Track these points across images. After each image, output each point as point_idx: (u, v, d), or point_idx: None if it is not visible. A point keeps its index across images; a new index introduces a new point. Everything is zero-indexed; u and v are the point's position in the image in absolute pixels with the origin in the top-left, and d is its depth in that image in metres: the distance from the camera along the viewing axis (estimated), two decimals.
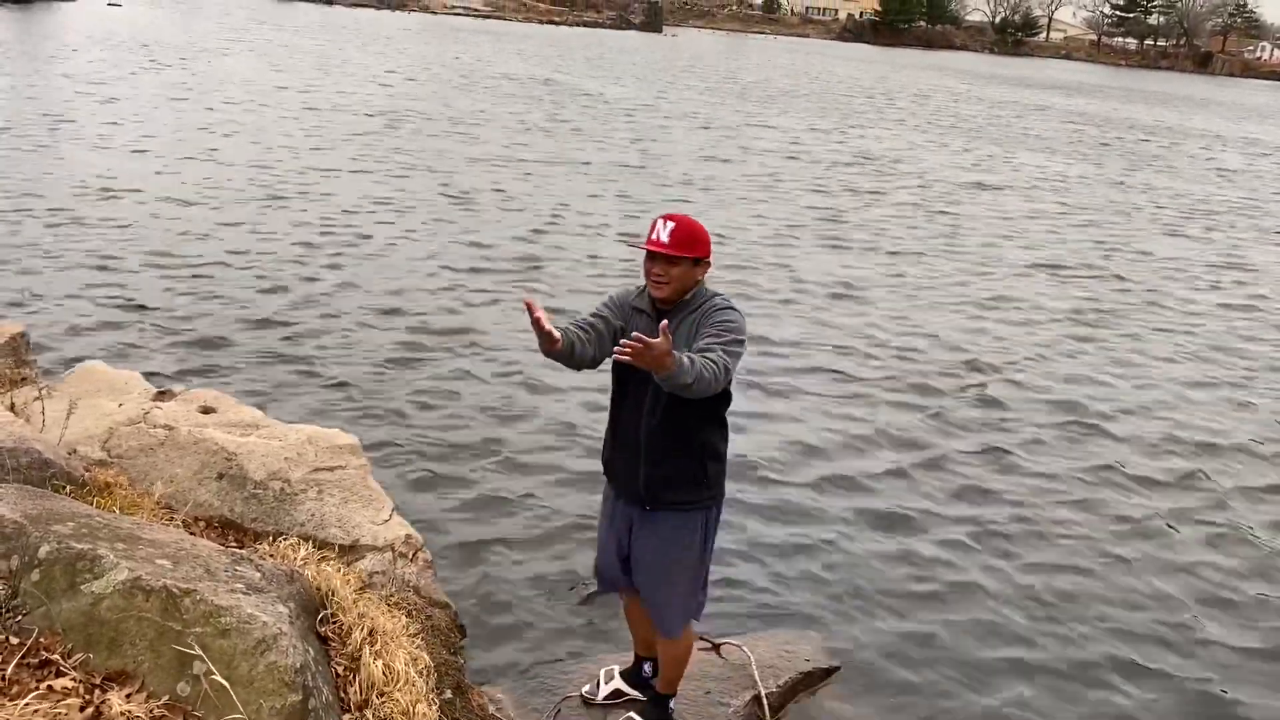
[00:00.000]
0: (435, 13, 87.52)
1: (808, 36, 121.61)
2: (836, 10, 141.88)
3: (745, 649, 4.56)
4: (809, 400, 7.91)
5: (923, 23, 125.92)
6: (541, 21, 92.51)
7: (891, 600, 5.35)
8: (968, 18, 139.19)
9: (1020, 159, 24.76)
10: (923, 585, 5.52)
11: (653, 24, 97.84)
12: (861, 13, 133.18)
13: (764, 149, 22.54)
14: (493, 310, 9.49)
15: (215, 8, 62.88)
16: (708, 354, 3.13)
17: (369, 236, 11.69)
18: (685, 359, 3.00)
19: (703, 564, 3.68)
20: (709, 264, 3.39)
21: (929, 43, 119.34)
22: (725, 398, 3.44)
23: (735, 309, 3.35)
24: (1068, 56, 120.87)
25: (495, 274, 10.71)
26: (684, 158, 20.01)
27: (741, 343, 3.26)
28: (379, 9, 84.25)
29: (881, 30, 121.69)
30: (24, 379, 5.81)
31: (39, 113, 18.49)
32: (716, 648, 4.57)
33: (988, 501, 6.49)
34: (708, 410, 3.39)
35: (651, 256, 3.32)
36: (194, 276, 9.63)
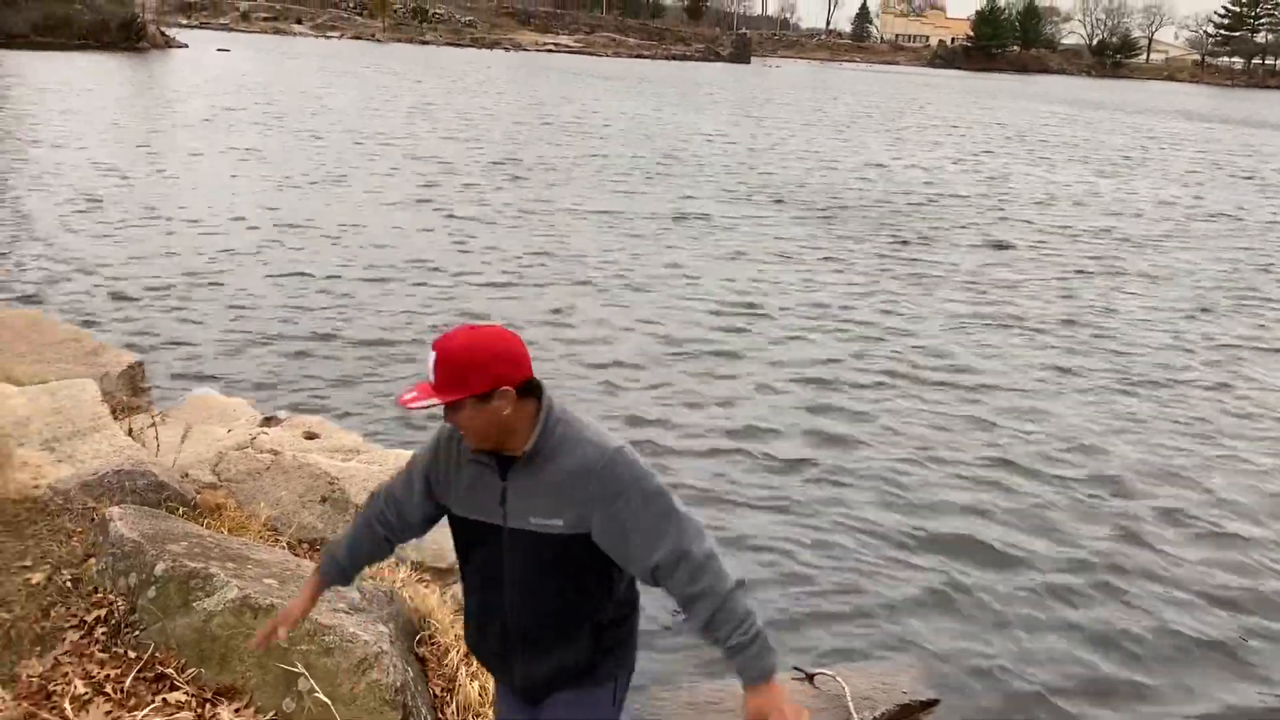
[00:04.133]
0: (527, 49, 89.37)
1: (898, 64, 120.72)
2: (927, 37, 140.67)
3: (840, 680, 4.49)
4: (899, 432, 7.79)
5: (1016, 47, 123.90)
6: (631, 56, 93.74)
7: (993, 632, 5.21)
8: (1063, 41, 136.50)
9: (1140, 184, 24.10)
10: (1025, 618, 5.36)
11: (741, 55, 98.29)
12: (954, 38, 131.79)
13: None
14: (594, 327, 9.67)
15: (316, 51, 65.22)
16: (696, 581, 2.27)
17: (472, 273, 11.89)
18: (736, 625, 2.27)
19: None
20: (526, 391, 2.24)
21: (1023, 67, 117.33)
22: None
23: (635, 461, 2.30)
24: (1170, 78, 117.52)
25: (587, 300, 10.84)
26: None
27: (658, 480, 2.33)
28: (473, 48, 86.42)
29: (974, 55, 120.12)
30: (140, 406, 6.09)
31: (154, 149, 19.42)
32: (810, 678, 4.51)
33: (1091, 533, 6.29)
34: (598, 579, 2.40)
35: None
36: (301, 309, 9.95)
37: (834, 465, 7.02)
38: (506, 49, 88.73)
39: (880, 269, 13.21)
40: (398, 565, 4.25)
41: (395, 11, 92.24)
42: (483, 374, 2.19)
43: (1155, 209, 20.08)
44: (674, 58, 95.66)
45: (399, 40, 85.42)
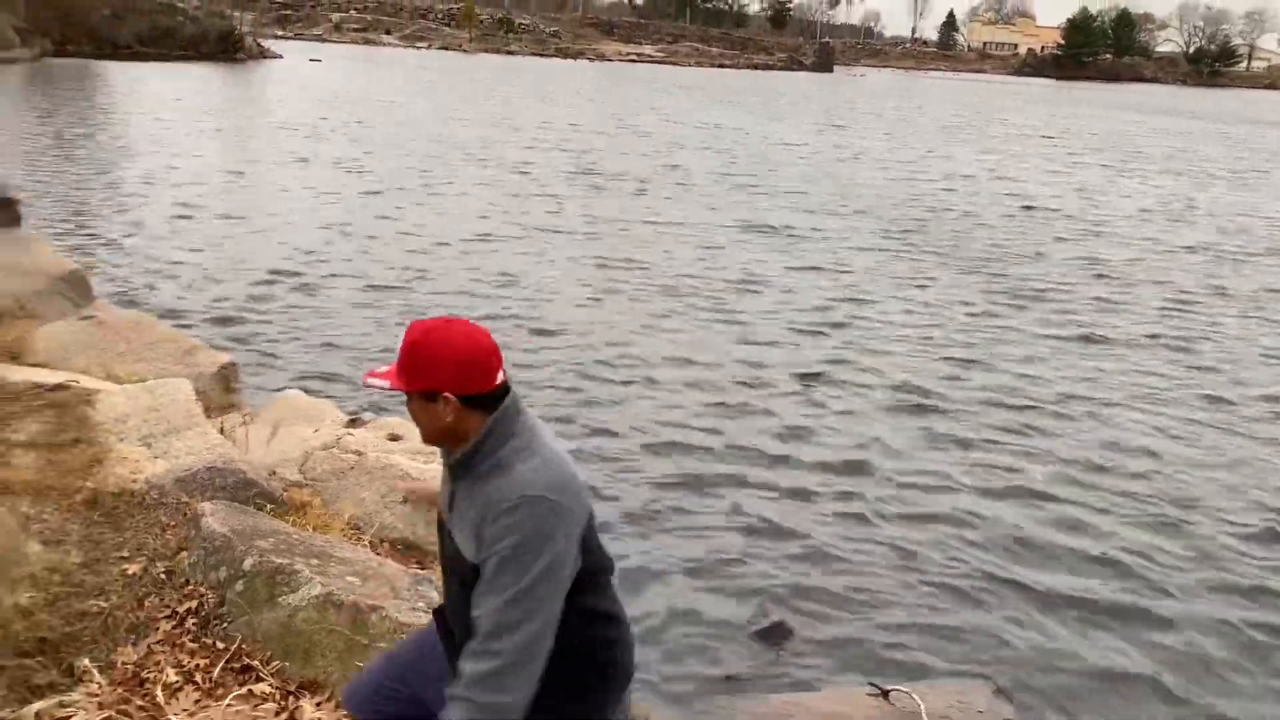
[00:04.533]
0: (610, 59, 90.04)
1: (985, 72, 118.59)
2: (1016, 45, 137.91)
3: (916, 696, 4.42)
4: (986, 455, 7.65)
5: (1108, 55, 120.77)
6: (713, 65, 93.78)
7: (1073, 652, 5.08)
8: (1158, 49, 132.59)
9: (1241, 198, 23.30)
10: (1107, 637, 5.22)
11: (824, 64, 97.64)
12: (1043, 46, 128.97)
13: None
14: (677, 346, 9.65)
15: (404, 61, 66.63)
16: (466, 665, 2.04)
17: (550, 284, 12.02)
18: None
19: None
20: (477, 404, 2.13)
21: (1115, 76, 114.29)
22: (590, 586, 2.19)
23: (537, 518, 2.04)
24: (1271, 86, 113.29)
25: (697, 308, 10.87)
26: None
27: (542, 556, 2.02)
28: (557, 58, 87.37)
29: (1064, 64, 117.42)
30: (232, 405, 6.29)
31: (247, 157, 20.05)
32: (885, 694, 4.45)
33: (1178, 557, 6.09)
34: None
35: None
36: (385, 314, 10.17)
37: (915, 484, 6.91)
38: (590, 59, 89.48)
39: (968, 284, 12.95)
40: None
41: (481, 22, 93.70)
42: (431, 374, 2.12)
43: (1262, 225, 19.38)
44: (756, 67, 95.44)
45: (485, 51, 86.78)
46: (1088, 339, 10.66)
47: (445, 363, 2.11)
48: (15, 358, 6.06)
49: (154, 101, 30.14)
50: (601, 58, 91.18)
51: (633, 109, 40.29)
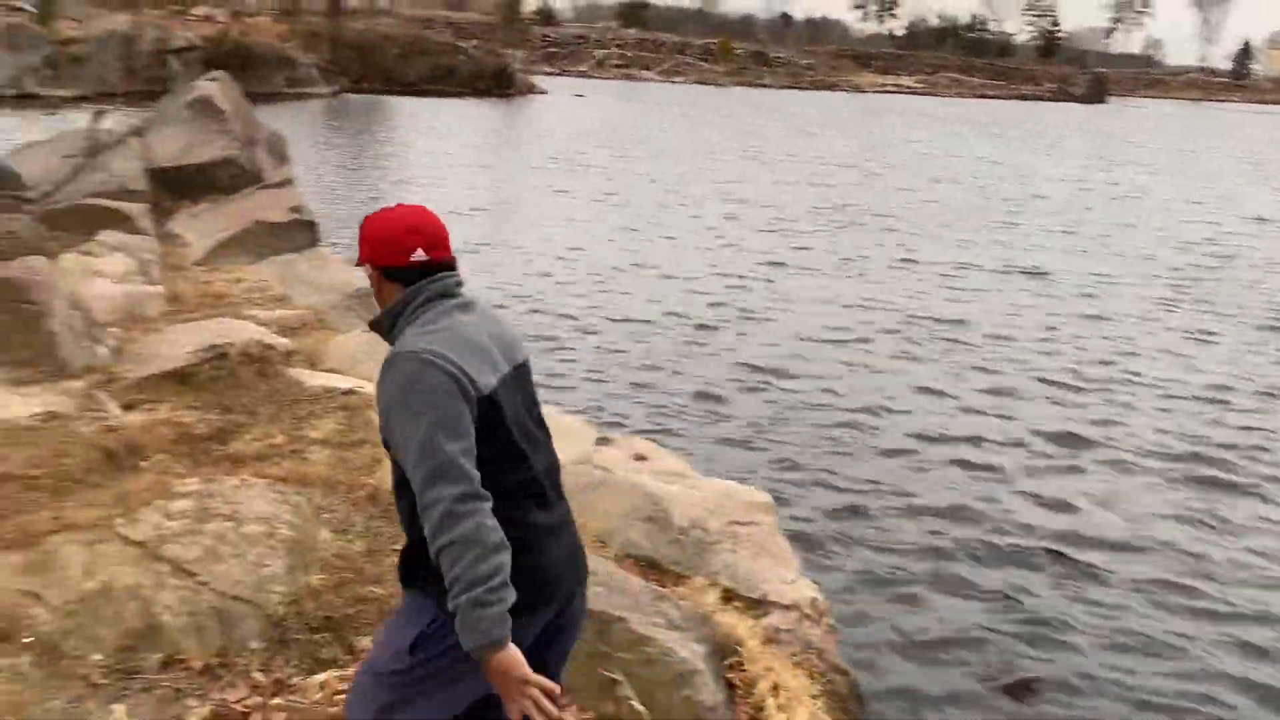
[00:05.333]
0: (865, 91, 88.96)
1: None
2: None
3: None
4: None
5: None
6: (974, 96, 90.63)
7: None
8: None
9: None
10: None
11: (1096, 95, 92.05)
12: None
13: None
14: (924, 396, 9.40)
15: (662, 95, 68.55)
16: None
17: (797, 322, 12.04)
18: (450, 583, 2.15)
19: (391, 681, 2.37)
20: (394, 277, 2.37)
21: None
22: (490, 474, 2.23)
23: (403, 371, 2.20)
24: None
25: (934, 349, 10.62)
26: None
27: (426, 407, 2.15)
28: (812, 90, 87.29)
29: None
30: None
31: (512, 187, 21.33)
32: None
33: None
34: (404, 482, 2.27)
35: None
36: (634, 340, 10.53)
37: (1196, 571, 6.37)
38: (844, 91, 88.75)
39: (1262, 344, 11.71)
40: (710, 589, 4.40)
41: (737, 56, 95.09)
42: (361, 248, 2.41)
43: None
44: (1022, 98, 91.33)
45: (739, 84, 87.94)
46: None
47: (369, 238, 2.39)
48: (313, 364, 6.73)
49: (432, 134, 32.61)
50: (857, 89, 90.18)
51: (887, 141, 39.62)
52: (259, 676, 3.31)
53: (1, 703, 2.94)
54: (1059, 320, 12.28)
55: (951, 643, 5.31)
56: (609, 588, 3.83)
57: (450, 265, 2.44)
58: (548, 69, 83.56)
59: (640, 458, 5.58)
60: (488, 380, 2.27)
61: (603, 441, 6.01)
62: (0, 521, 3.75)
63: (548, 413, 6.68)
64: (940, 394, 9.33)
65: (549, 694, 2.14)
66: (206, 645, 3.38)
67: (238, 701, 3.19)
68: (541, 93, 60.00)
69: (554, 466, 2.49)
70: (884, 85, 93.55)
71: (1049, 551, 6.29)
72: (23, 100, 35.99)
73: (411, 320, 2.34)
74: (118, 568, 3.54)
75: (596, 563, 4.16)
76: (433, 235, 2.41)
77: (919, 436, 8.25)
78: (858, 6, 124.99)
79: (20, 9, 50.06)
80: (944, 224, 19.48)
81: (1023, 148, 40.02)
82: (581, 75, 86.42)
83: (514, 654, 2.13)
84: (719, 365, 9.73)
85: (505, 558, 2.13)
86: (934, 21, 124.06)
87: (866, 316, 12.07)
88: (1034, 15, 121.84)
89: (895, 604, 5.63)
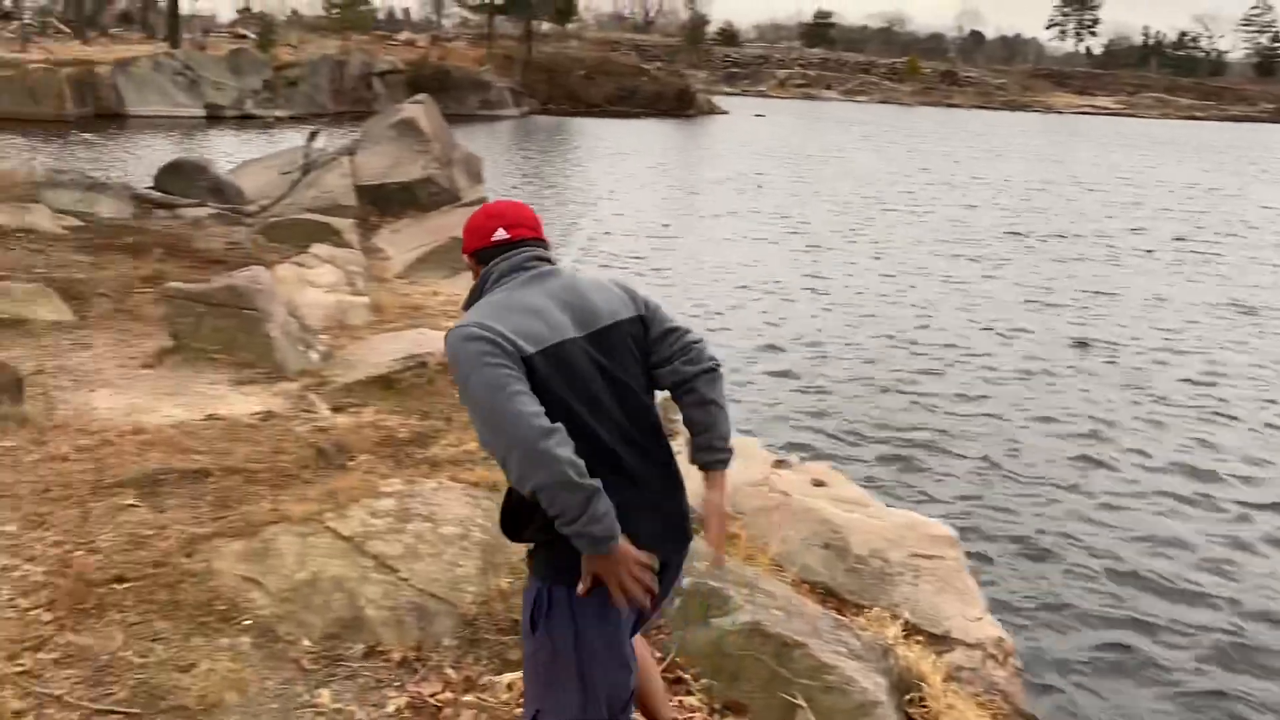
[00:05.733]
0: (1060, 111, 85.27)
1: None
2: None
3: None
4: None
5: None
6: (1180, 117, 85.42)
7: None
8: None
9: None
10: None
11: None
12: None
13: None
14: (1119, 432, 8.93)
15: (844, 115, 67.70)
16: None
17: (978, 355, 11.56)
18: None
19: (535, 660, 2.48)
20: (480, 259, 2.52)
21: None
22: None
23: (453, 349, 2.29)
24: None
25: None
26: None
27: (473, 376, 2.22)
28: (1003, 110, 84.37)
29: None
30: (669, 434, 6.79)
31: (691, 206, 21.55)
32: None
33: None
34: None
35: None
36: (811, 363, 10.46)
37: None
38: (1038, 111, 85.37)
39: None
40: (892, 621, 4.32)
41: (925, 75, 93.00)
42: (463, 241, 2.61)
43: None
44: (1233, 119, 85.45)
45: (925, 104, 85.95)
46: None
47: (464, 232, 2.60)
48: None
49: (616, 154, 33.32)
50: (1051, 110, 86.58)
51: (1083, 164, 37.84)
52: (451, 673, 3.46)
53: (225, 679, 3.19)
54: (1271, 361, 11.40)
55: (1147, 695, 5.02)
56: (788, 612, 3.81)
57: (532, 243, 2.53)
58: (728, 89, 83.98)
59: (819, 483, 5.54)
60: (536, 342, 2.30)
61: (780, 464, 6.00)
62: (226, 511, 4.08)
63: None
64: (1135, 431, 8.85)
65: (647, 568, 2.27)
66: (405, 638, 3.56)
67: (432, 695, 3.35)
68: (722, 113, 60.37)
69: (636, 431, 2.41)
70: (1080, 105, 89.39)
71: (1264, 598, 5.85)
72: (243, 120, 39.01)
73: (482, 292, 2.47)
74: (327, 559, 3.78)
75: (776, 586, 4.17)
76: (513, 217, 2.55)
77: (1113, 474, 7.86)
78: (1053, 24, 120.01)
79: (244, 35, 54.28)
80: (1145, 253, 18.44)
81: (1234, 172, 37.42)
82: (762, 95, 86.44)
83: (624, 545, 2.24)
84: (899, 394, 9.55)
85: (585, 481, 2.17)
86: (1136, 39, 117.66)
87: (1058, 350, 11.55)
88: (1251, 31, 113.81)
89: (1085, 649, 5.37)
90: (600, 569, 2.25)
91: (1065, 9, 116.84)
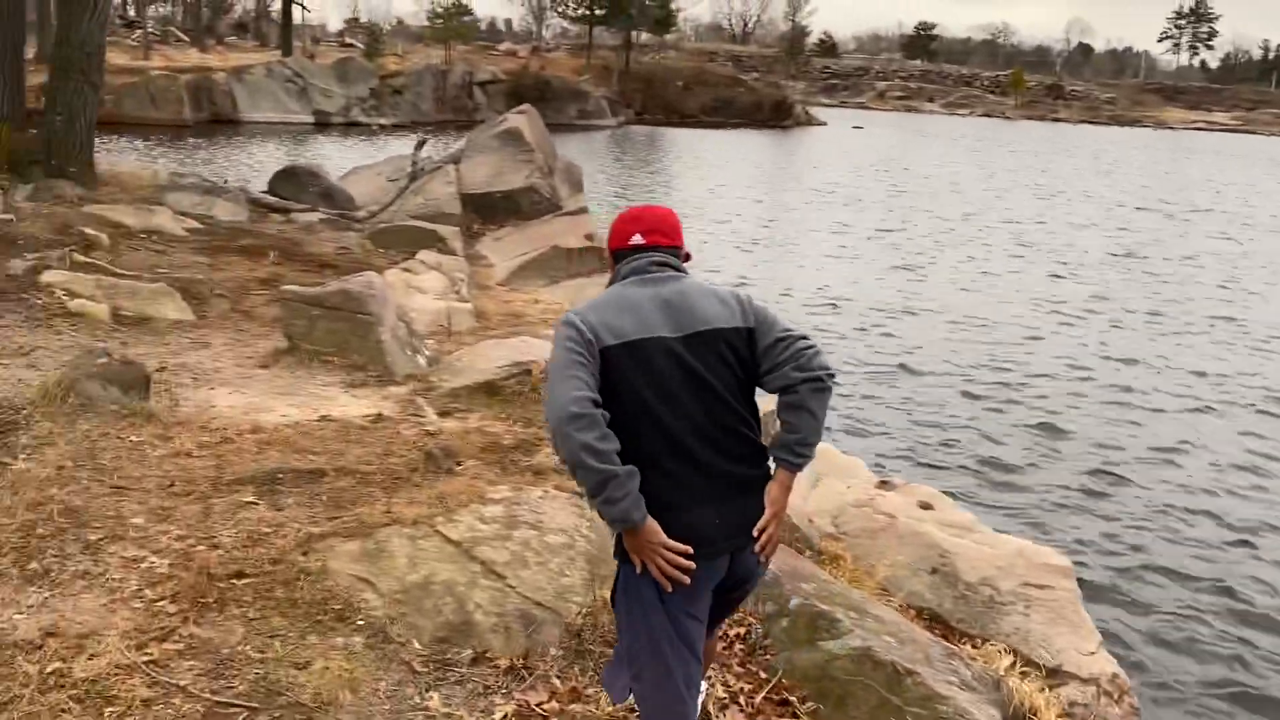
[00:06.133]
0: (1172, 127, 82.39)
1: None
2: None
3: None
4: None
5: None
6: None
7: None
8: None
9: None
10: None
11: None
12: None
13: None
14: (1237, 473, 8.50)
15: (945, 128, 66.51)
16: None
17: (1100, 384, 11.11)
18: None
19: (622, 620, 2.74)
20: (616, 259, 2.75)
21: None
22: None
23: (556, 333, 2.58)
24: None
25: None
26: None
27: (555, 350, 2.53)
28: (1111, 125, 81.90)
29: None
30: None
31: (787, 219, 21.38)
32: None
33: None
34: None
35: None
36: (917, 383, 10.26)
37: None
38: (1148, 127, 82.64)
39: None
40: (1004, 652, 4.20)
41: (1030, 89, 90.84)
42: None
43: None
44: None
45: (1029, 118, 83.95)
46: None
47: (609, 230, 2.79)
48: None
49: (712, 165, 33.29)
50: (1162, 125, 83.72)
51: (1198, 183, 36.47)
52: (557, 683, 3.47)
53: (339, 678, 3.25)
54: None
55: None
56: (898, 638, 3.73)
57: (664, 249, 2.70)
58: (826, 100, 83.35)
59: (925, 505, 5.42)
60: (618, 335, 2.53)
61: (884, 485, 5.89)
62: (340, 511, 4.17)
63: (823, 449, 6.62)
64: (1254, 470, 8.44)
65: (681, 553, 2.47)
66: (512, 646, 3.59)
67: (538, 705, 3.36)
68: (820, 124, 59.90)
69: (712, 428, 2.56)
70: (1193, 121, 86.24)
71: None
72: (349, 128, 40.11)
73: (609, 287, 2.71)
74: (437, 563, 3.83)
75: (884, 611, 4.08)
76: (650, 222, 2.73)
77: (1234, 507, 7.53)
78: (1166, 37, 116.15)
79: (352, 44, 55.85)
80: (1268, 280, 17.65)
81: None
82: (861, 107, 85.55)
83: (646, 528, 2.46)
84: (1005, 418, 9.29)
85: (602, 466, 2.38)
86: (1256, 53, 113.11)
87: (1174, 378, 11.10)
88: None
89: (1204, 689, 5.14)
90: (629, 545, 2.52)
91: (1179, 21, 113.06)
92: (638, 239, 2.69)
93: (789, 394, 2.59)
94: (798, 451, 2.61)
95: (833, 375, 2.63)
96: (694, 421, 2.53)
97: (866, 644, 3.55)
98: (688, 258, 2.79)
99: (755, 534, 2.59)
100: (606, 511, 2.45)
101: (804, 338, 2.65)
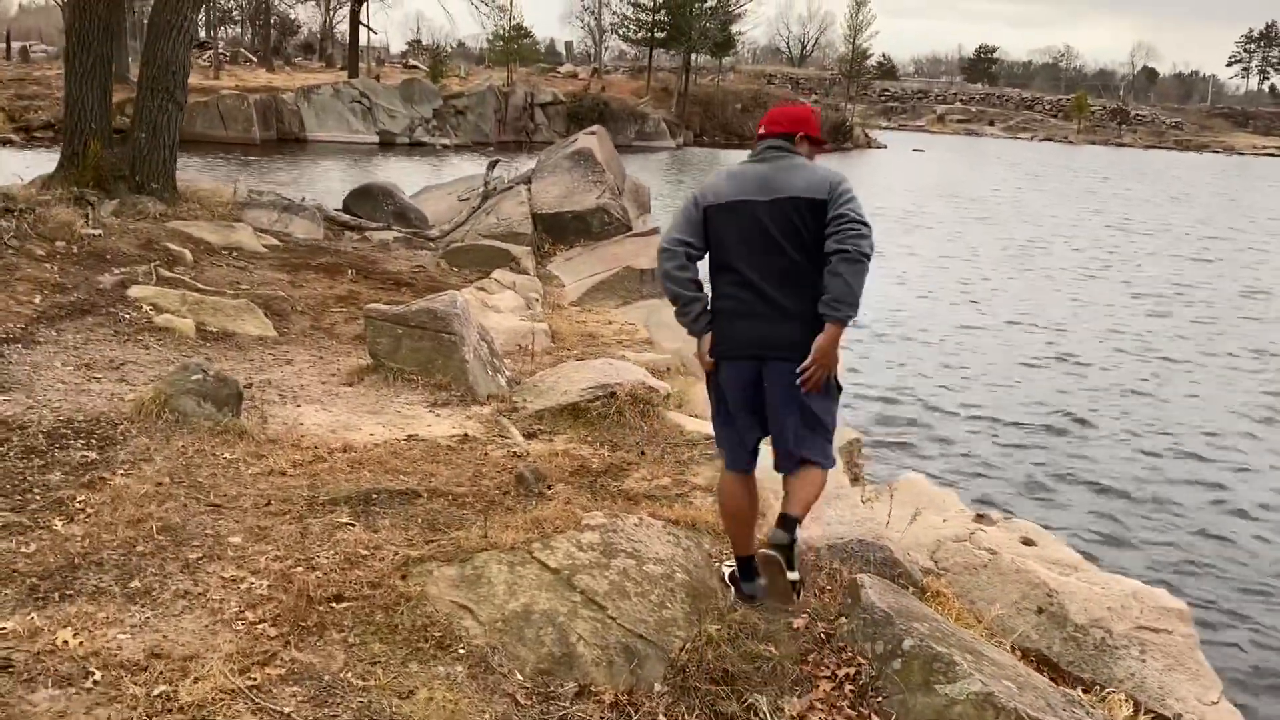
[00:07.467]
0: (1242, 153, 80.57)
1: None
2: None
3: None
4: None
5: None
6: None
7: None
8: None
9: None
10: None
11: None
12: None
13: None
14: None
15: (1006, 152, 65.58)
16: None
17: (1182, 425, 10.76)
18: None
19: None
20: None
21: None
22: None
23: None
24: None
25: None
26: None
27: (672, 219, 3.73)
28: (1176, 150, 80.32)
29: None
30: (856, 478, 6.57)
31: None
32: None
33: None
34: None
35: None
36: (1006, 413, 9.96)
37: None
38: (1217, 152, 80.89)
39: None
40: (1125, 701, 3.99)
41: (1093, 114, 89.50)
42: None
43: None
44: None
45: (1092, 142, 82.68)
46: None
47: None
48: (679, 407, 6.92)
49: None
50: (1231, 150, 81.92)
51: (1274, 211, 35.49)
52: None
53: (444, 709, 3.16)
54: None
55: None
56: (1017, 684, 3.55)
57: (780, 136, 3.60)
58: (885, 123, 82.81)
59: (1028, 542, 5.21)
60: (718, 196, 3.55)
61: (981, 519, 5.69)
62: (436, 534, 4.09)
63: (914, 480, 6.42)
64: None
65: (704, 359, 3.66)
66: (615, 680, 3.47)
67: None
68: (880, 147, 59.46)
69: (771, 273, 3.47)
70: (1264, 147, 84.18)
71: None
72: (413, 147, 40.63)
73: None
74: (537, 591, 3.73)
75: (999, 654, 3.90)
76: (775, 115, 3.69)
77: None
78: (1235, 61, 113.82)
79: (415, 66, 56.67)
80: None
81: None
82: (920, 130, 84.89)
83: (701, 341, 3.65)
84: (1100, 450, 8.96)
85: (685, 291, 3.57)
86: None
87: (1263, 416, 10.67)
88: None
89: None
90: (698, 349, 3.70)
91: (1249, 45, 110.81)
92: (762, 130, 3.65)
93: (828, 260, 3.36)
94: (832, 306, 3.37)
95: (866, 255, 3.36)
96: (761, 267, 3.47)
97: (988, 689, 3.38)
98: (819, 143, 3.65)
99: (798, 371, 3.44)
100: (681, 320, 3.66)
101: (857, 220, 3.36)
